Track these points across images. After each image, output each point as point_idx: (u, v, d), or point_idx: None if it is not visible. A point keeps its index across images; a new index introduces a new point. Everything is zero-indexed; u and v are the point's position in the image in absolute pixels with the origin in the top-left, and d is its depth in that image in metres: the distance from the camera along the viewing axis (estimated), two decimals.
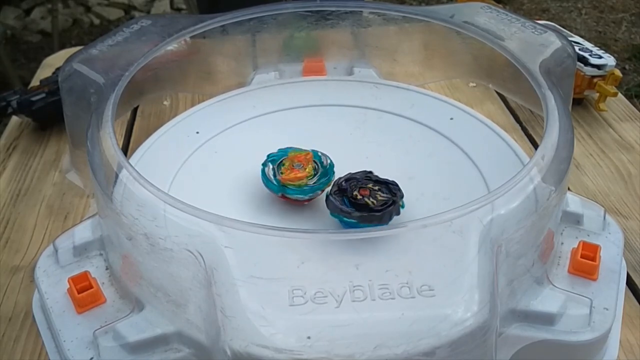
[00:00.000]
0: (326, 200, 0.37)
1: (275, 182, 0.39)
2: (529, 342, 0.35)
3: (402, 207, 0.36)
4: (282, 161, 0.40)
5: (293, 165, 0.39)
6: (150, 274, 0.35)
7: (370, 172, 0.38)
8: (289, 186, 0.38)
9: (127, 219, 0.34)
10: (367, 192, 0.36)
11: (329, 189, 0.38)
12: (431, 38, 0.54)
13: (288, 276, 0.31)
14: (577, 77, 0.67)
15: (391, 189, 0.37)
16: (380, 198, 0.36)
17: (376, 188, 0.36)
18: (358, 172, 0.38)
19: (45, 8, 2.35)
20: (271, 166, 0.40)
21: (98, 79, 0.42)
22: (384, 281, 0.31)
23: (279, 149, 0.41)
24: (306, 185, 0.38)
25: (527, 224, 0.34)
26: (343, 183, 0.37)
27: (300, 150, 0.40)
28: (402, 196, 0.37)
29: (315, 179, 0.39)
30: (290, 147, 0.41)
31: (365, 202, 0.35)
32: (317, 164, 0.40)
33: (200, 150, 0.45)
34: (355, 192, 0.36)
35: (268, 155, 0.40)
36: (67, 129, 0.47)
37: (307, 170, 0.39)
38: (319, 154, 0.40)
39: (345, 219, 0.36)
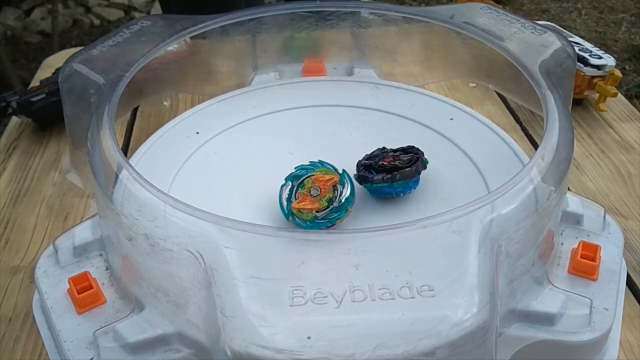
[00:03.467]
0: (357, 178, 0.39)
1: (285, 207, 0.37)
2: (529, 342, 0.35)
3: (427, 162, 0.40)
4: (303, 181, 0.37)
5: (310, 191, 0.37)
6: (150, 275, 0.35)
7: (385, 147, 0.41)
8: (296, 215, 0.36)
9: (127, 220, 0.34)
10: (391, 159, 0.39)
11: (355, 171, 0.40)
12: (431, 38, 0.54)
13: (288, 276, 0.31)
14: (577, 78, 0.67)
15: (409, 150, 0.40)
16: (404, 158, 0.39)
17: (397, 154, 0.40)
18: (374, 151, 0.41)
19: (45, 9, 2.34)
20: (290, 185, 0.37)
21: (98, 80, 0.42)
22: (384, 281, 0.31)
23: (310, 162, 0.38)
24: (314, 218, 0.36)
25: (527, 224, 0.34)
26: (365, 162, 0.40)
27: (329, 169, 0.38)
28: (422, 153, 0.40)
29: (325, 212, 0.36)
30: (321, 163, 0.38)
31: (394, 165, 0.39)
32: (335, 195, 0.37)
33: (200, 151, 0.45)
34: (381, 162, 0.39)
35: (295, 168, 0.38)
36: (67, 129, 0.47)
37: (321, 201, 0.36)
38: (345, 180, 0.37)
39: (376, 185, 0.38)
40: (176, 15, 0.50)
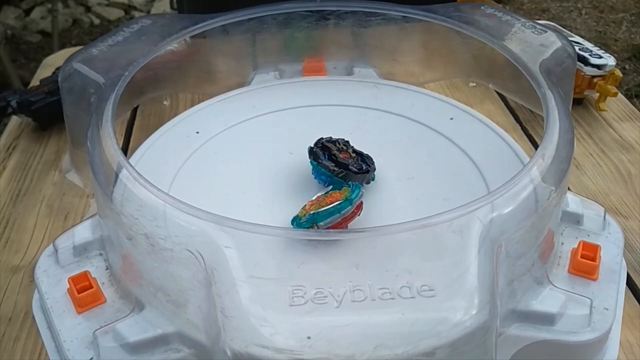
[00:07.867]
0: (310, 152, 0.40)
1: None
2: (529, 342, 0.35)
3: (373, 179, 0.41)
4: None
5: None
6: (150, 274, 0.35)
7: (348, 142, 0.42)
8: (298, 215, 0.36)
9: (127, 219, 0.34)
10: (347, 156, 0.40)
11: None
12: (431, 38, 0.54)
13: (288, 276, 0.31)
14: (577, 77, 0.67)
15: (366, 160, 0.41)
16: (357, 165, 0.40)
17: (355, 155, 0.41)
18: (339, 138, 0.42)
19: (45, 8, 2.35)
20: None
21: (98, 79, 0.42)
22: (384, 281, 0.31)
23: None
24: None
25: (527, 224, 0.34)
26: (326, 143, 0.41)
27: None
28: (374, 169, 0.41)
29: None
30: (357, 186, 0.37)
31: (346, 164, 0.39)
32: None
33: (200, 150, 0.45)
34: (339, 154, 0.40)
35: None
36: (67, 129, 0.47)
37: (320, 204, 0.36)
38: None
39: (323, 169, 0.39)
40: (176, 14, 0.50)
